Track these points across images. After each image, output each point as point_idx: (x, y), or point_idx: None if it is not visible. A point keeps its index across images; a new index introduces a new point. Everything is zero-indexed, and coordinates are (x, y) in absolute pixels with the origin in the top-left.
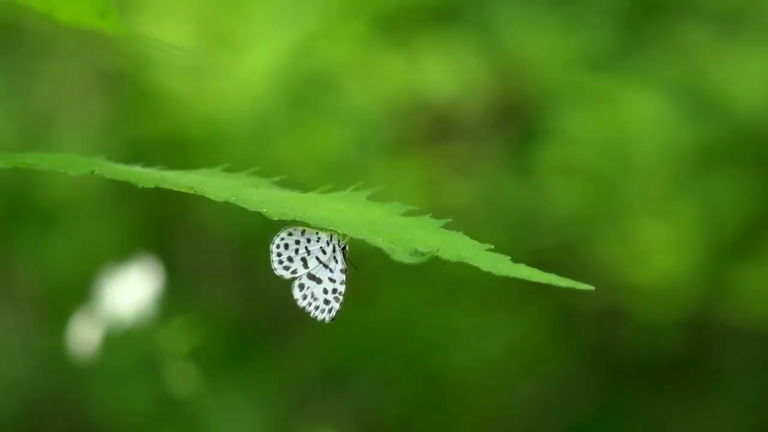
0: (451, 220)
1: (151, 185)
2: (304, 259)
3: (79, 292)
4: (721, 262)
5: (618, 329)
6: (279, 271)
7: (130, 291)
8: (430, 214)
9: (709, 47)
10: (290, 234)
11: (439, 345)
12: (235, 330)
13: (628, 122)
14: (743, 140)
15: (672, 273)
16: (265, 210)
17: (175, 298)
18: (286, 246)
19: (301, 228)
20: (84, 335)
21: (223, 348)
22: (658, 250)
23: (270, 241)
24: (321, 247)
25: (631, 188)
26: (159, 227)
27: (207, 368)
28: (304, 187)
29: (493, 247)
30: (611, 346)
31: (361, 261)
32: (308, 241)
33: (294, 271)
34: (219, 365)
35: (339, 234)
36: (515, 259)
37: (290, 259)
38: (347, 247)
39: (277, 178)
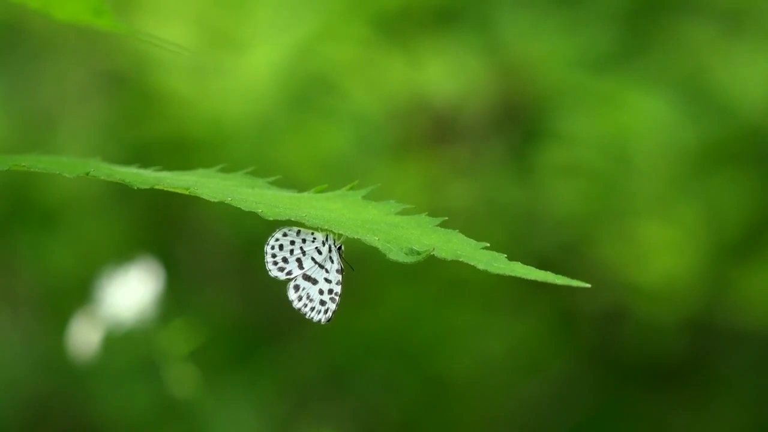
0: (447, 218)
1: (146, 186)
2: (299, 260)
3: (79, 292)
4: (723, 263)
5: (619, 330)
6: (274, 272)
7: (131, 292)
8: (426, 213)
9: (711, 47)
10: (285, 234)
11: (439, 346)
12: (236, 331)
13: (630, 122)
14: (746, 140)
15: (674, 274)
16: (260, 210)
17: (175, 298)
18: (281, 247)
19: (296, 228)
20: (84, 336)
21: (224, 349)
22: (660, 251)
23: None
24: (316, 248)
25: (633, 188)
26: (160, 228)
27: (207, 369)
28: (304, 188)
29: (488, 245)
30: (612, 347)
31: (362, 262)
32: (303, 241)
33: (289, 273)
34: (220, 366)
35: (335, 234)
36: (514, 259)
37: (285, 260)
38: (343, 247)
39: (273, 178)
